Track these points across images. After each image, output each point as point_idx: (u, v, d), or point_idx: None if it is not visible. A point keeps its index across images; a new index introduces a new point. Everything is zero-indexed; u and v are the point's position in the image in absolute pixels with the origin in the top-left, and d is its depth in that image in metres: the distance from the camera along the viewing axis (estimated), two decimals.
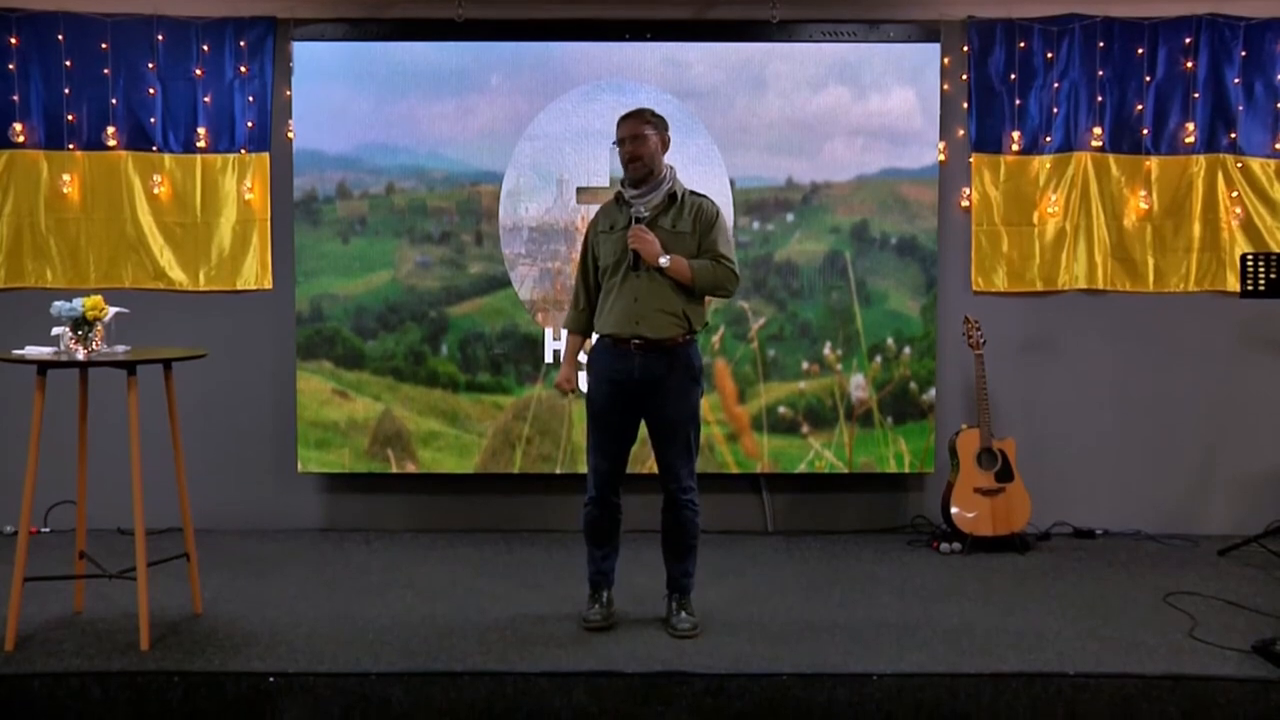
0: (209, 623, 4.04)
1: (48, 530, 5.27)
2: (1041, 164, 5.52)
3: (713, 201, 4.01)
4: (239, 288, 5.52)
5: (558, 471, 5.45)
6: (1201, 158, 5.51)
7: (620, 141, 3.93)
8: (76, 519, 4.07)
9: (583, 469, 4.13)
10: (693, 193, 4.01)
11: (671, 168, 3.99)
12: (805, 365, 5.47)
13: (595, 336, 4.03)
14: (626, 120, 3.95)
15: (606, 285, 3.96)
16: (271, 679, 3.51)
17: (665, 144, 3.97)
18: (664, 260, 3.81)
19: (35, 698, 3.47)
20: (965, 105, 5.53)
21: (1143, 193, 5.52)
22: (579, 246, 4.21)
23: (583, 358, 4.11)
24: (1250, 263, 4.98)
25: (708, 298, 4.01)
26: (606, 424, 3.96)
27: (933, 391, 5.49)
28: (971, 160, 5.54)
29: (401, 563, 4.97)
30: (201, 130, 5.46)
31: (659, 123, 3.95)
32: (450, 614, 4.16)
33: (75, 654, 3.66)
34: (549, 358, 5.44)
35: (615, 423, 3.96)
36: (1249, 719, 3.48)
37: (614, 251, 3.92)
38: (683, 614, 3.96)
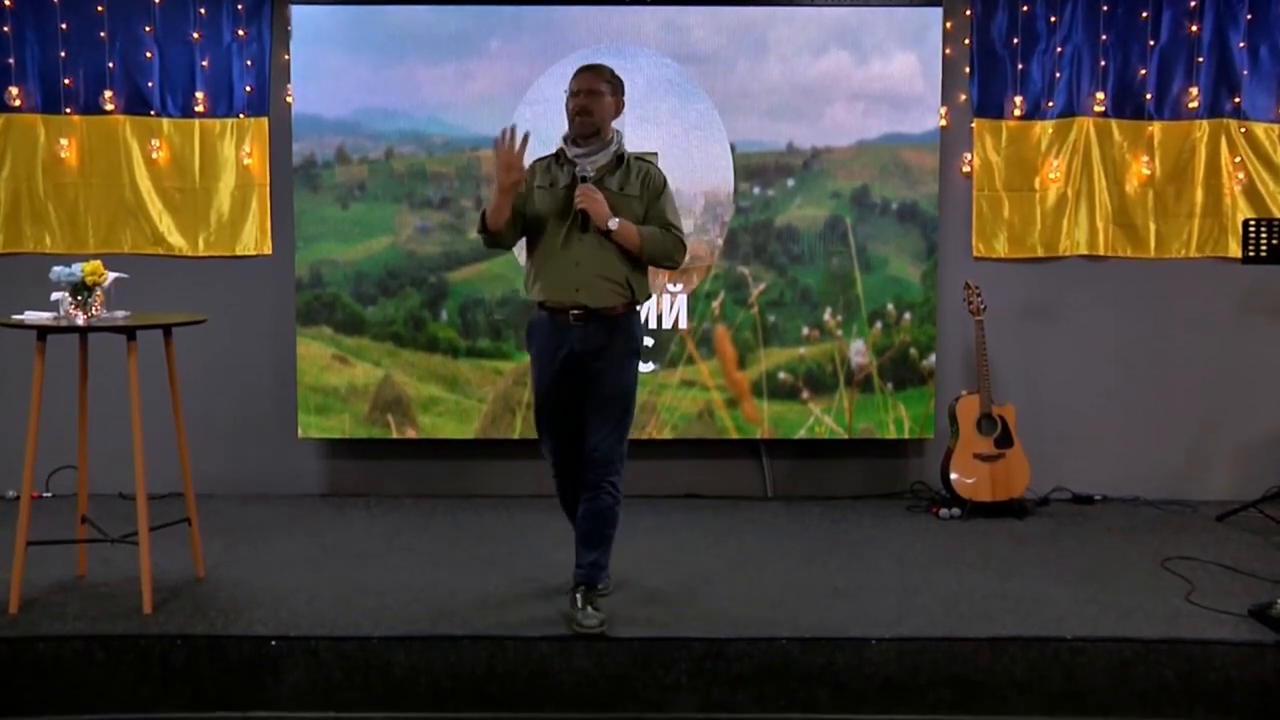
0: (211, 587, 4.06)
1: (49, 495, 5.29)
2: (1043, 129, 5.49)
3: (660, 168, 3.84)
4: (238, 253, 5.51)
5: None
6: (1205, 123, 5.48)
7: (575, 93, 3.71)
8: (78, 484, 4.08)
9: None
10: (638, 157, 3.83)
11: (619, 131, 3.81)
12: (805, 331, 5.46)
13: (534, 305, 3.81)
14: (585, 73, 3.74)
15: (544, 247, 3.71)
16: (273, 642, 3.53)
17: (619, 107, 3.80)
18: (613, 223, 3.60)
19: (39, 660, 3.49)
20: (967, 70, 5.50)
21: (1145, 158, 5.49)
22: None
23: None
24: (1252, 228, 4.96)
25: (652, 268, 3.82)
26: (553, 399, 3.78)
27: (933, 357, 5.48)
28: (973, 125, 5.51)
29: (402, 528, 4.99)
30: (200, 94, 5.43)
31: (617, 84, 3.79)
32: (450, 579, 4.18)
33: (78, 617, 3.68)
34: None
35: (562, 395, 3.75)
36: (1244, 682, 3.50)
37: (553, 210, 3.68)
38: (589, 609, 3.63)
